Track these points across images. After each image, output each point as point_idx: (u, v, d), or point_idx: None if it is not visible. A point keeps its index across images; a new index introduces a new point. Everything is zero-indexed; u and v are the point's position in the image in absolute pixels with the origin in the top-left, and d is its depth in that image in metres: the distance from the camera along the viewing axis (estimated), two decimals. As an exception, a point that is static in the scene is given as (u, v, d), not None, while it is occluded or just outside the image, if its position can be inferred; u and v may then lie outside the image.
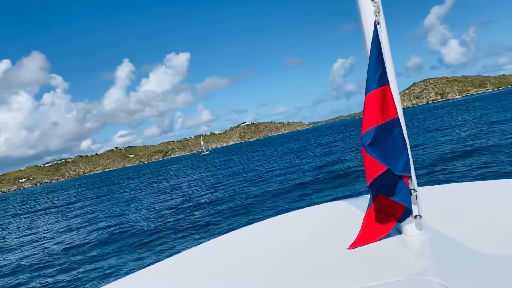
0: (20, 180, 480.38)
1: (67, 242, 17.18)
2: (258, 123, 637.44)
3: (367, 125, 1.39)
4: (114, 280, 1.70)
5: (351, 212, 2.03)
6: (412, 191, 1.43)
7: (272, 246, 1.80)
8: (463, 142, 21.40)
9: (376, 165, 1.36)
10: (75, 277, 11.49)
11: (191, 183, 33.12)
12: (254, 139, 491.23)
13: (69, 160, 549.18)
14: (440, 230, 1.48)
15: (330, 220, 2.04)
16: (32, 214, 36.84)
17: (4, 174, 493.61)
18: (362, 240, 1.50)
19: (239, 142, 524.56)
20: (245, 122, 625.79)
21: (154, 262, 1.86)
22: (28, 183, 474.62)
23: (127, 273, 1.55)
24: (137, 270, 1.77)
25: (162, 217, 18.05)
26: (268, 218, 2.36)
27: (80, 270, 12.18)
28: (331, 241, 1.65)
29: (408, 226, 1.49)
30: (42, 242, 18.46)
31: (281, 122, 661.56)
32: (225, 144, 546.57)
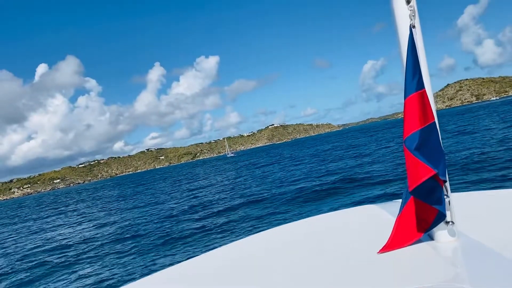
0: (55, 181, 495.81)
1: (74, 245, 16.50)
2: (287, 125, 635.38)
3: (410, 129, 1.36)
4: (124, 284, 1.65)
5: (382, 216, 2.00)
6: (445, 196, 1.41)
7: (301, 248, 1.79)
8: (502, 146, 19.65)
9: (424, 169, 1.32)
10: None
11: (211, 188, 31.99)
12: (282, 141, 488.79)
13: (101, 161, 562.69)
14: (473, 237, 1.45)
15: (361, 224, 2.02)
16: (56, 215, 36.57)
17: (40, 175, 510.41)
18: (393, 244, 1.49)
19: (267, 144, 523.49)
20: (273, 124, 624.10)
21: (171, 265, 1.84)
22: (62, 183, 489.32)
23: (141, 276, 1.71)
24: (149, 274, 1.75)
25: (177, 222, 17.34)
26: (296, 221, 2.34)
27: (81, 274, 11.93)
28: (361, 244, 1.64)
29: (440, 232, 1.47)
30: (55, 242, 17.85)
31: (310, 124, 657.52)
32: (253, 146, 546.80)
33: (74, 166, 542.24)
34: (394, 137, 52.65)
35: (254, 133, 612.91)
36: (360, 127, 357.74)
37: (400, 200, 1.56)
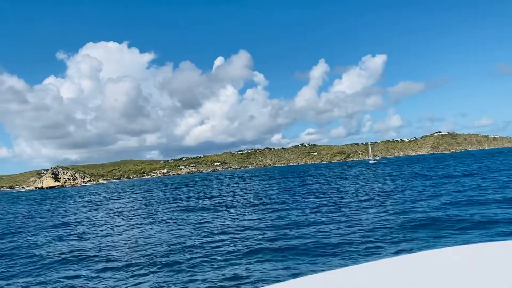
0: (215, 163, 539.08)
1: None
2: (456, 134, 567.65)
3: None
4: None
5: None
6: None
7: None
8: None
9: None
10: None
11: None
12: (449, 152, 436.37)
13: (258, 151, 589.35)
14: None
15: None
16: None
17: (204, 156, 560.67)
18: None
19: (430, 152, 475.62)
20: (440, 132, 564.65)
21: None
22: (221, 166, 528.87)
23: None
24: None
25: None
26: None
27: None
28: None
29: None
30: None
31: (485, 136, 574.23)
32: (413, 153, 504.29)
33: (234, 152, 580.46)
34: None
35: (416, 139, 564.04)
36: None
37: None
